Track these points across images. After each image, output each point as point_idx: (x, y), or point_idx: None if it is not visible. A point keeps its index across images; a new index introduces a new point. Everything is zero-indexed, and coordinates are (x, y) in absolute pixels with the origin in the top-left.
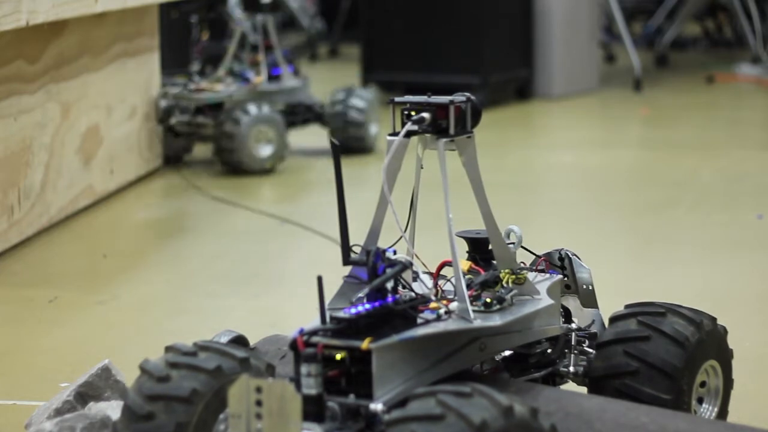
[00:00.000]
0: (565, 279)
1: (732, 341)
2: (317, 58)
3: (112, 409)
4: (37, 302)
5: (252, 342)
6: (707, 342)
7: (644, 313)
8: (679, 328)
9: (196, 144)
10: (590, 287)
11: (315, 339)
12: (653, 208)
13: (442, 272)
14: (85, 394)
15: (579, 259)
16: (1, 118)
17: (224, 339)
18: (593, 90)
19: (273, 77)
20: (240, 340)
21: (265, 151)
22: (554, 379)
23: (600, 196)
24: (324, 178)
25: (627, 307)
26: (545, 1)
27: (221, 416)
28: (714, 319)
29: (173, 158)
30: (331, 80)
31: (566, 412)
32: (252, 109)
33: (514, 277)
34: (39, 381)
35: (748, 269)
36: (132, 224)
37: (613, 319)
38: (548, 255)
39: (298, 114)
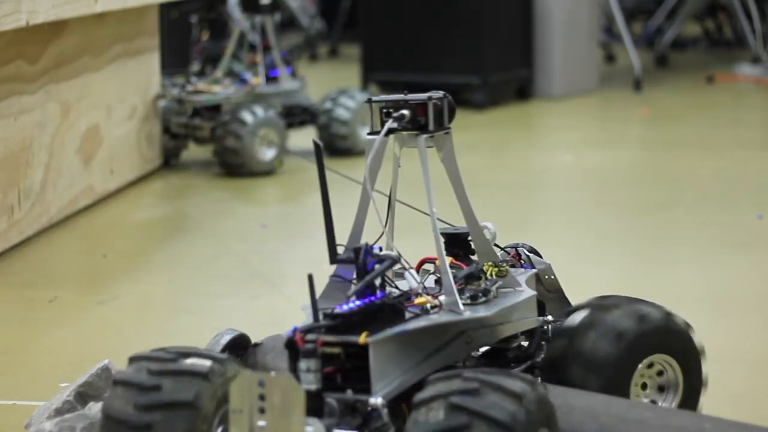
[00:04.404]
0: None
1: (732, 341)
2: (317, 58)
3: None
4: (37, 302)
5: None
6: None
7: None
8: (618, 324)
9: (190, 145)
10: (552, 277)
11: (312, 336)
12: (653, 208)
13: (422, 269)
14: (85, 394)
15: (538, 255)
16: (1, 118)
17: (226, 338)
18: (593, 90)
19: (270, 79)
20: (241, 339)
21: (268, 153)
22: (533, 372)
23: (600, 196)
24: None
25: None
26: (545, 1)
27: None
28: (669, 314)
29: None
30: (330, 80)
31: (572, 406)
32: (258, 110)
33: (497, 269)
34: (39, 381)
35: (748, 269)
36: (132, 224)
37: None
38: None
39: (296, 116)
